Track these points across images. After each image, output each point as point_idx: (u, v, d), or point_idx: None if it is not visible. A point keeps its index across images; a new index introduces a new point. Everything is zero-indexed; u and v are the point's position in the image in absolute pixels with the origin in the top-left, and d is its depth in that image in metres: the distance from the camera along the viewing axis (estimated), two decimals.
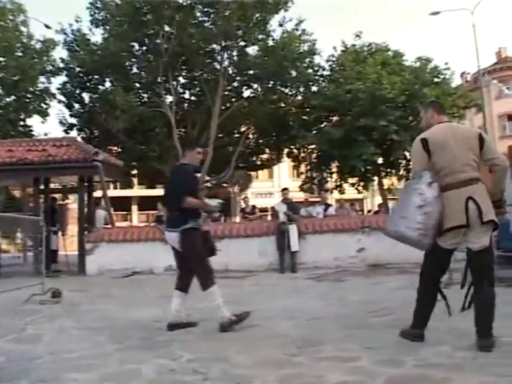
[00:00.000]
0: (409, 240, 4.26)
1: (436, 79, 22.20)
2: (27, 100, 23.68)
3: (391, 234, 4.36)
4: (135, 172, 24.65)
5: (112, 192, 28.31)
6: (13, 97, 23.14)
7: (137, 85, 22.44)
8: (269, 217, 18.49)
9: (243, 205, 17.63)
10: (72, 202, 24.73)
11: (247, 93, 23.36)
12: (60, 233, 14.74)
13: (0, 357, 4.34)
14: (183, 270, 5.44)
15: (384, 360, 3.77)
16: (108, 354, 4.32)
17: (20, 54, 23.29)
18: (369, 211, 29.42)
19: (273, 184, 41.84)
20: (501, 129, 38.64)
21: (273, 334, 4.90)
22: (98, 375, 3.71)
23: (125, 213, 40.72)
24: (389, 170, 23.16)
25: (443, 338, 4.39)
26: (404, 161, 22.94)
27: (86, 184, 14.20)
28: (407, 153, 22.21)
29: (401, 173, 23.41)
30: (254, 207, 16.07)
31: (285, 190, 13.41)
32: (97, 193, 15.72)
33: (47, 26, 22.88)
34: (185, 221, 5.20)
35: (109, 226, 14.54)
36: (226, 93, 22.45)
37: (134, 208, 42.69)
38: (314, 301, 6.92)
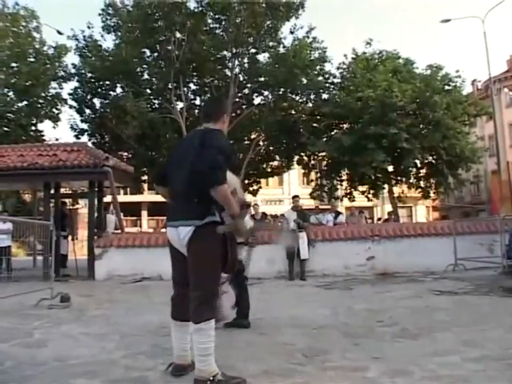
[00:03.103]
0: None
1: (446, 87, 22.17)
2: (39, 105, 23.94)
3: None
4: (145, 177, 24.69)
5: (122, 198, 28.42)
6: (25, 102, 23.41)
7: (148, 91, 22.59)
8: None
9: (252, 212, 17.57)
10: (82, 208, 24.90)
11: (257, 100, 23.53)
12: (69, 238, 14.81)
13: (6, 361, 4.33)
14: (185, 286, 3.67)
15: (392, 370, 3.72)
16: (114, 360, 4.30)
17: (32, 59, 23.56)
18: (379, 219, 29.33)
19: (283, 191, 41.85)
20: None
21: (280, 342, 4.87)
22: (104, 381, 3.69)
23: (134, 218, 40.86)
24: (399, 178, 23.06)
25: (451, 348, 4.35)
26: (414, 170, 22.86)
27: (96, 189, 14.24)
28: (417, 161, 22.15)
29: (411, 181, 23.31)
30: (264, 214, 15.97)
31: (295, 197, 13.34)
32: (108, 199, 15.78)
33: (59, 32, 23.10)
34: (207, 212, 3.53)
35: (119, 231, 14.56)
36: (237, 99, 22.55)
37: (144, 213, 42.80)
38: (322, 309, 6.88)
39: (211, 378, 3.39)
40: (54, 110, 24.45)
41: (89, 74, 22.00)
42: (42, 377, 3.84)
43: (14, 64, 23.28)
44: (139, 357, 4.39)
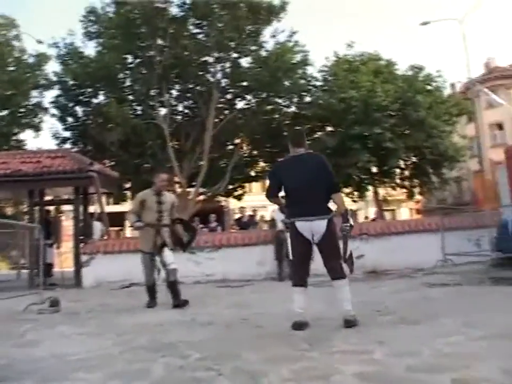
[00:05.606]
0: None
1: (428, 87, 22.34)
2: (20, 114, 23.72)
3: None
4: (128, 185, 24.41)
5: (105, 208, 28.08)
6: (6, 111, 23.17)
7: (131, 97, 22.42)
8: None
9: (239, 215, 17.50)
10: (66, 219, 24.60)
11: (240, 104, 23.43)
12: (54, 246, 14.61)
13: (1, 360, 4.21)
14: (307, 263, 5.51)
15: (399, 352, 3.69)
16: (113, 355, 4.20)
17: (13, 68, 23.44)
18: (366, 218, 29.42)
19: None
20: (492, 138, 38.87)
21: (281, 333, 4.82)
22: (106, 374, 3.59)
23: (117, 228, 40.49)
24: (383, 179, 23.12)
25: (454, 330, 4.36)
26: (398, 170, 22.95)
27: (81, 195, 14.08)
28: (401, 162, 22.27)
29: (396, 181, 23.39)
30: (251, 216, 15.88)
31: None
32: (93, 209, 15.64)
33: (39, 42, 23.00)
34: (330, 210, 5.27)
35: (106, 238, 14.41)
36: (220, 104, 22.44)
37: (127, 223, 42.45)
38: (317, 304, 6.81)
39: (354, 315, 4.93)
40: (35, 119, 24.25)
41: (71, 82, 21.74)
42: (42, 372, 3.74)
43: None
44: (139, 351, 4.30)
